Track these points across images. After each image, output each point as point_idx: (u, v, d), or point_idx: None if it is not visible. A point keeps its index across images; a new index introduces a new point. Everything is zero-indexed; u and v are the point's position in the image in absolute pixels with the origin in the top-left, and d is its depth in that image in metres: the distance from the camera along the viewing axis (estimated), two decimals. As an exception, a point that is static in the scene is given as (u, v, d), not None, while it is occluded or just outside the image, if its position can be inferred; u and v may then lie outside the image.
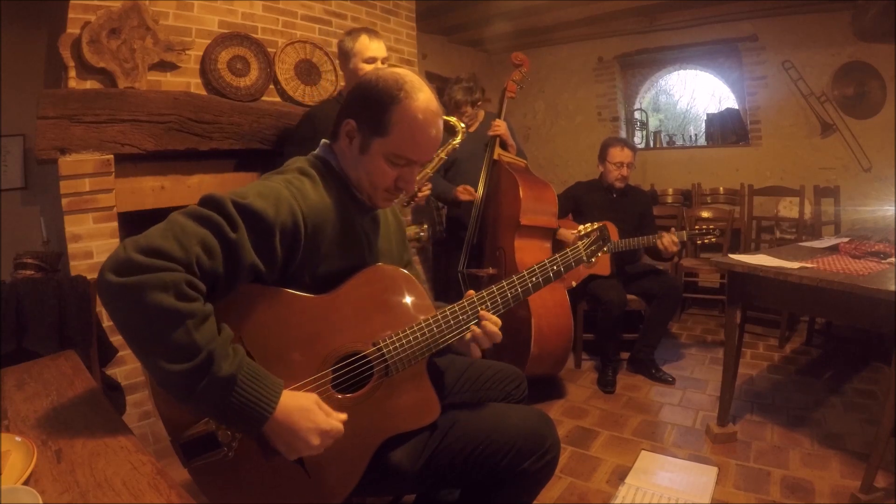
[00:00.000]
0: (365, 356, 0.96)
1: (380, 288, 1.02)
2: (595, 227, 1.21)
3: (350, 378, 0.95)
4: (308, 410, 0.85)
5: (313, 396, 0.88)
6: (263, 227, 0.84)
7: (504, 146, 2.66)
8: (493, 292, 1.07)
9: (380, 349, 0.96)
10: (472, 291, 1.07)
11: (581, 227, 1.23)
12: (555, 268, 1.11)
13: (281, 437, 0.83)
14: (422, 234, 2.35)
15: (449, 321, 1.01)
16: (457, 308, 1.03)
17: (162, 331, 0.73)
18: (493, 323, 1.03)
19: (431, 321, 1.00)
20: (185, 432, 0.85)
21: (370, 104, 0.96)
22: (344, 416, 0.90)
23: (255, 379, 0.80)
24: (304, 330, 0.93)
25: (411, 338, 0.98)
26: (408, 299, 1.03)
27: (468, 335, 1.03)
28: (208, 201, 0.83)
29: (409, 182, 1.02)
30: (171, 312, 0.73)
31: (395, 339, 0.97)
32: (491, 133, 2.63)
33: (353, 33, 2.02)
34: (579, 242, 1.18)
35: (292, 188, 0.92)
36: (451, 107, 2.64)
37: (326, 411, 0.87)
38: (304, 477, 0.92)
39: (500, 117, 2.66)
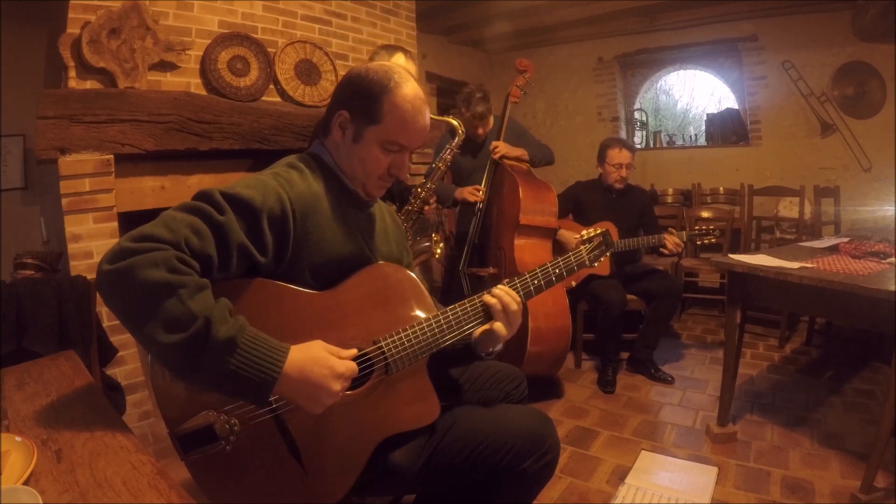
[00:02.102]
0: (365, 353, 0.96)
1: (381, 286, 1.02)
2: (598, 231, 1.23)
3: None
4: (320, 357, 0.84)
5: (319, 342, 0.87)
6: (250, 212, 0.86)
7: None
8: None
9: (380, 347, 0.96)
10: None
11: (584, 231, 1.24)
12: (556, 271, 1.13)
13: (300, 392, 0.82)
14: (434, 246, 2.14)
15: (450, 321, 1.02)
16: (458, 308, 1.04)
17: (156, 303, 0.74)
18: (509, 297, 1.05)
19: (432, 321, 1.01)
20: (184, 424, 0.84)
21: (362, 94, 0.99)
22: (353, 351, 0.90)
23: (257, 340, 0.79)
24: (305, 326, 0.93)
25: (412, 337, 0.98)
26: (409, 299, 1.03)
27: (477, 332, 1.08)
28: (196, 195, 0.87)
29: (402, 168, 1.05)
30: (162, 285, 0.74)
31: (395, 337, 0.97)
32: (493, 157, 2.59)
33: (390, 49, 1.99)
34: (582, 247, 1.19)
35: (279, 178, 0.94)
36: (473, 119, 2.59)
37: (336, 353, 0.87)
38: (302, 474, 0.91)
39: (500, 136, 2.63)
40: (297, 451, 0.91)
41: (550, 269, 1.12)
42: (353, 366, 0.87)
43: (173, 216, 0.82)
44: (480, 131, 2.65)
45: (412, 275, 1.06)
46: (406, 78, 1.01)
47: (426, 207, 2.05)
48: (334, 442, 0.90)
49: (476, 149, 2.71)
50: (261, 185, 0.91)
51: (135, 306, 0.75)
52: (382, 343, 0.96)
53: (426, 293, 1.06)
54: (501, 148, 2.59)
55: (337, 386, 0.84)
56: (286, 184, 0.93)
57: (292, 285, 0.94)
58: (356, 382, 0.96)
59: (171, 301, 0.74)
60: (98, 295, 1.79)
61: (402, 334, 0.98)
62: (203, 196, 0.85)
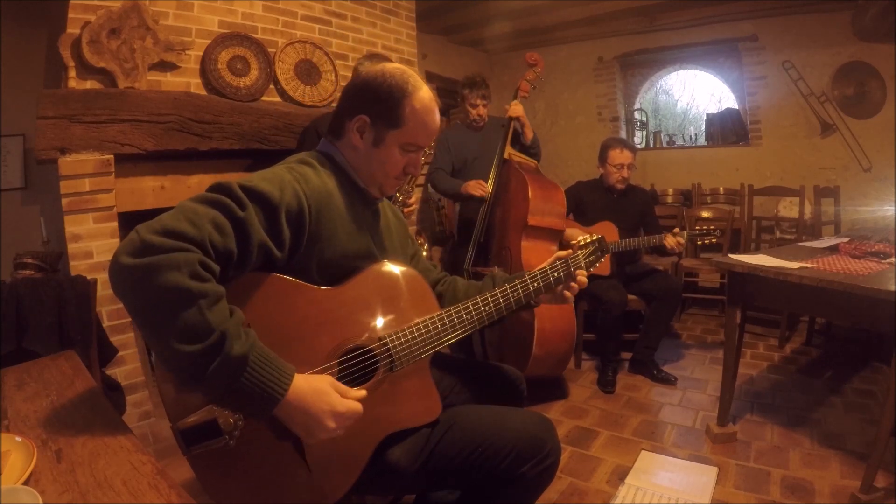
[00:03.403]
0: (370, 350, 0.97)
1: (387, 284, 1.04)
2: (594, 237, 1.27)
3: (355, 372, 0.96)
4: (323, 392, 0.84)
5: (328, 378, 0.88)
6: (270, 207, 0.87)
7: (517, 135, 2.68)
8: (496, 294, 1.11)
9: (385, 344, 0.97)
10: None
11: (581, 237, 1.27)
12: (555, 274, 1.17)
13: (296, 420, 0.83)
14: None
15: (453, 320, 1.05)
16: (461, 308, 1.06)
17: (174, 310, 0.73)
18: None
19: (436, 319, 1.03)
20: (186, 418, 0.84)
21: (382, 99, 1.01)
22: (362, 392, 0.90)
23: (266, 360, 0.79)
24: (312, 321, 0.94)
25: (416, 334, 1.00)
26: (414, 297, 1.05)
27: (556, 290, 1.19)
28: (215, 187, 0.86)
29: (416, 166, 1.09)
30: (183, 292, 0.73)
31: (400, 334, 0.99)
32: (508, 115, 2.63)
33: (375, 59, 2.03)
34: (579, 252, 1.23)
35: (294, 173, 0.95)
36: (477, 100, 2.66)
37: (342, 391, 0.87)
38: (305, 471, 0.91)
39: (506, 136, 2.64)
40: (301, 447, 0.91)
41: (549, 272, 1.16)
42: (355, 406, 0.87)
43: (195, 209, 0.80)
44: (483, 111, 2.71)
45: (417, 274, 1.08)
46: (420, 80, 1.04)
47: (405, 210, 2.09)
48: (338, 438, 0.89)
49: (476, 133, 2.76)
50: (278, 178, 0.91)
51: (151, 308, 0.74)
52: (387, 339, 0.98)
53: (431, 292, 1.09)
54: (517, 108, 2.63)
55: (332, 424, 0.84)
56: (301, 179, 0.94)
57: (299, 280, 0.94)
58: (361, 379, 0.97)
59: (190, 311, 0.73)
60: (96, 293, 1.79)
61: (407, 331, 1.00)
62: (223, 189, 0.85)
